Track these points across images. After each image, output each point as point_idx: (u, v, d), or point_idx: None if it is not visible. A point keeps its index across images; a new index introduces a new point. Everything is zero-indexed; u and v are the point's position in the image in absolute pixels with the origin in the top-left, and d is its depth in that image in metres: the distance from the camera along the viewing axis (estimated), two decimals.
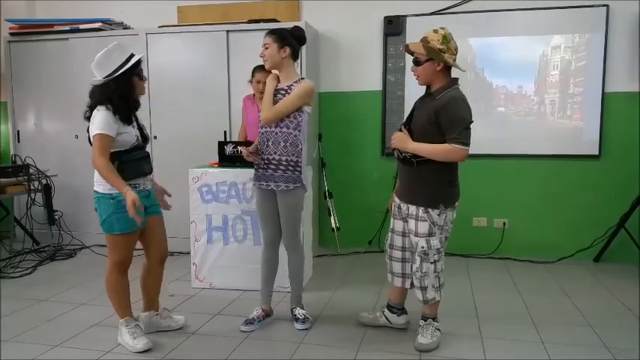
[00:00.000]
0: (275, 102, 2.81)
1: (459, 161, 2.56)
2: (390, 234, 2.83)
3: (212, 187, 3.56)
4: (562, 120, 4.40)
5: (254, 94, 3.89)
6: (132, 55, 2.61)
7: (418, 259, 2.63)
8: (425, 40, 2.52)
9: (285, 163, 2.83)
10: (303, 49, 3.49)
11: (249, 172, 3.33)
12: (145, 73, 2.76)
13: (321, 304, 3.35)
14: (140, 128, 2.76)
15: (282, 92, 2.83)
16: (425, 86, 2.65)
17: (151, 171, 2.79)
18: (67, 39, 4.76)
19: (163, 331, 2.89)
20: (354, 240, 4.76)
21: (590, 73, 4.29)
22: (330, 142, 4.82)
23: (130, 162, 2.61)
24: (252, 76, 3.77)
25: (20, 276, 3.97)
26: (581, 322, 3.06)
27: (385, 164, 4.66)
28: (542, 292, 3.59)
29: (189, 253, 3.74)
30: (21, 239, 4.77)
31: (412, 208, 2.63)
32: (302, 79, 2.88)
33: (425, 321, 2.74)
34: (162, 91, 4.60)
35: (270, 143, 2.84)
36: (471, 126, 2.54)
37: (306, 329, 2.93)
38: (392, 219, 2.82)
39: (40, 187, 4.42)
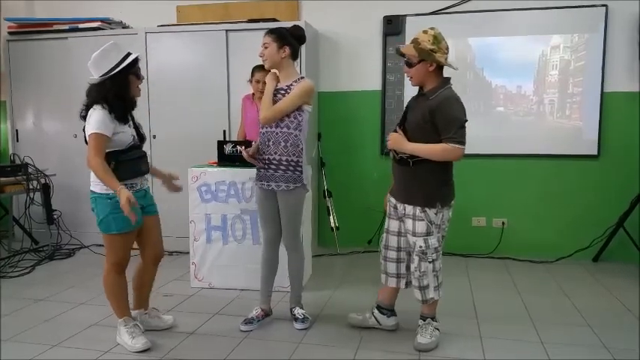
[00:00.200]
0: (275, 102, 2.80)
1: (455, 160, 2.57)
2: (384, 234, 2.83)
3: (211, 186, 3.56)
4: (561, 120, 4.41)
5: (253, 94, 3.89)
6: (128, 54, 2.60)
7: (416, 258, 2.63)
8: (416, 42, 2.53)
9: (285, 163, 2.83)
10: (303, 48, 3.49)
11: (249, 172, 3.34)
12: (143, 73, 2.75)
13: (320, 303, 3.35)
14: (136, 128, 2.74)
15: (282, 92, 2.82)
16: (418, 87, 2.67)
17: (147, 170, 2.79)
18: (67, 38, 4.75)
19: (153, 330, 2.88)
20: (353, 239, 4.76)
21: (589, 72, 4.29)
22: (330, 142, 4.81)
23: (127, 162, 2.61)
24: (252, 75, 3.78)
25: (19, 275, 3.97)
26: (581, 321, 3.06)
27: (384, 164, 4.64)
28: (542, 292, 3.59)
29: (188, 252, 3.73)
30: (20, 239, 4.77)
31: (409, 208, 2.63)
32: (302, 78, 2.87)
33: (424, 321, 2.74)
34: (161, 91, 4.60)
35: (270, 143, 2.84)
36: (468, 125, 2.55)
37: (305, 329, 2.93)
38: (387, 219, 2.82)
39: (38, 187, 4.42)
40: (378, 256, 2.94)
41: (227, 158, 3.56)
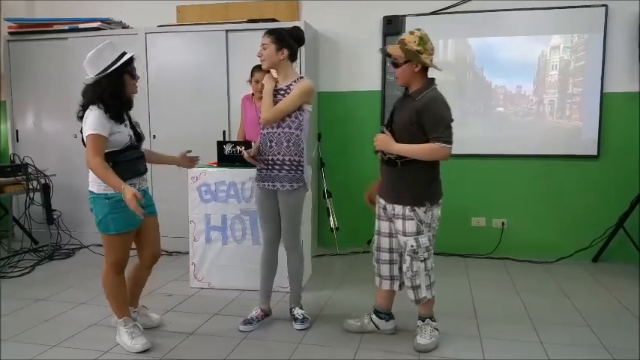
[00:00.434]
0: (275, 102, 2.80)
1: (442, 159, 2.60)
2: (376, 236, 2.83)
3: (211, 186, 3.56)
4: (561, 120, 4.41)
5: (253, 94, 3.89)
6: (124, 53, 2.60)
7: (408, 258, 2.63)
8: (402, 43, 2.56)
9: (289, 162, 2.83)
10: (303, 48, 3.49)
11: (248, 172, 3.34)
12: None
13: (320, 304, 3.35)
14: (133, 127, 2.74)
15: (282, 92, 2.82)
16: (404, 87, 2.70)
17: (146, 170, 2.78)
18: (67, 38, 4.76)
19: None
20: (353, 240, 4.76)
21: (589, 73, 4.29)
22: (330, 142, 4.81)
23: (124, 162, 2.60)
24: (252, 75, 3.78)
25: (19, 275, 3.97)
26: (580, 322, 3.06)
27: None
28: (541, 292, 3.59)
29: (187, 252, 3.73)
30: (19, 239, 4.78)
31: (398, 208, 2.64)
32: (301, 77, 2.88)
33: (423, 321, 2.74)
34: (161, 91, 4.60)
35: (273, 144, 2.84)
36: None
37: (305, 329, 2.93)
38: (377, 221, 2.82)
39: (38, 187, 4.42)
40: None
41: (227, 158, 3.56)
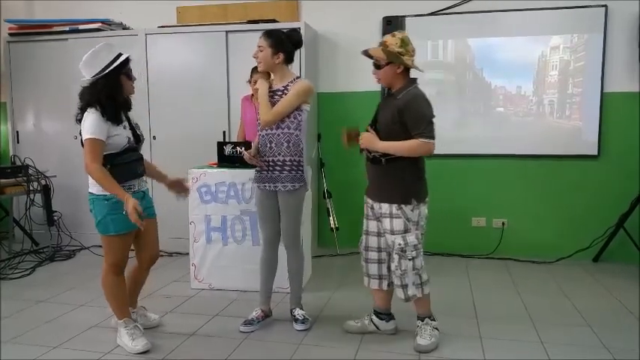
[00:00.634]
0: (273, 103, 2.80)
1: (426, 155, 2.61)
2: (364, 236, 2.83)
3: (211, 187, 3.56)
4: (561, 120, 4.41)
5: (252, 95, 3.88)
6: (120, 55, 2.60)
7: (396, 257, 2.63)
8: (384, 45, 2.60)
9: (289, 163, 2.84)
10: (302, 49, 3.50)
11: (248, 173, 3.34)
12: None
13: (320, 304, 3.36)
14: (133, 128, 2.73)
15: (279, 93, 2.82)
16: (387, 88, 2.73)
17: (144, 173, 2.78)
18: (67, 39, 4.76)
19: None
20: (353, 240, 4.69)
21: (588, 73, 4.29)
22: (329, 142, 4.81)
23: (122, 165, 2.60)
24: (251, 76, 3.78)
25: (19, 277, 3.97)
26: (580, 322, 3.06)
27: None
28: (542, 292, 3.59)
29: (187, 253, 3.74)
30: (20, 240, 4.78)
31: (385, 207, 2.65)
32: (298, 78, 2.88)
33: (422, 321, 2.73)
34: (161, 92, 4.60)
35: (272, 145, 2.84)
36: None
37: (305, 330, 2.93)
38: (365, 220, 2.83)
39: (39, 188, 4.42)
40: None
41: (227, 159, 3.57)
